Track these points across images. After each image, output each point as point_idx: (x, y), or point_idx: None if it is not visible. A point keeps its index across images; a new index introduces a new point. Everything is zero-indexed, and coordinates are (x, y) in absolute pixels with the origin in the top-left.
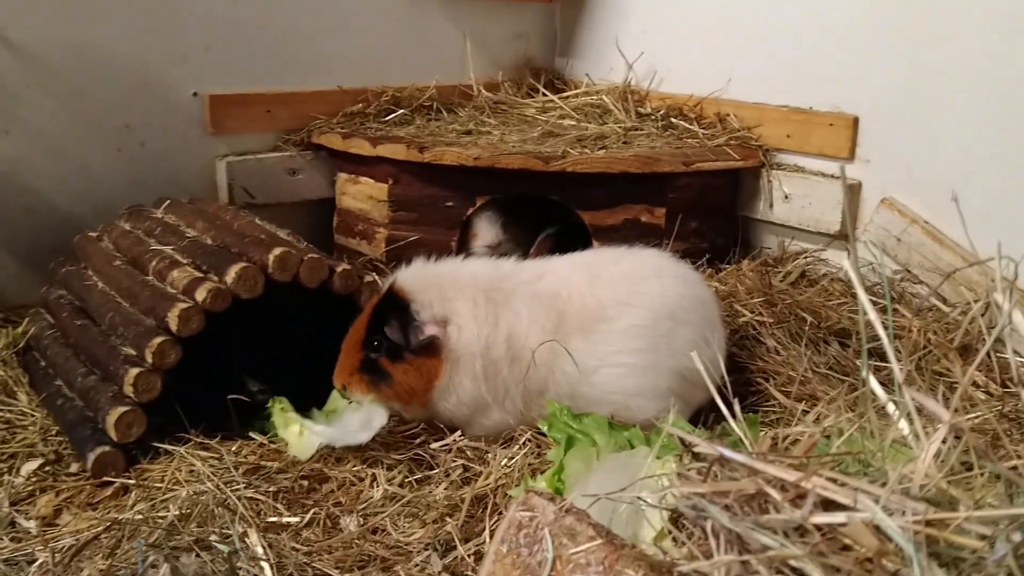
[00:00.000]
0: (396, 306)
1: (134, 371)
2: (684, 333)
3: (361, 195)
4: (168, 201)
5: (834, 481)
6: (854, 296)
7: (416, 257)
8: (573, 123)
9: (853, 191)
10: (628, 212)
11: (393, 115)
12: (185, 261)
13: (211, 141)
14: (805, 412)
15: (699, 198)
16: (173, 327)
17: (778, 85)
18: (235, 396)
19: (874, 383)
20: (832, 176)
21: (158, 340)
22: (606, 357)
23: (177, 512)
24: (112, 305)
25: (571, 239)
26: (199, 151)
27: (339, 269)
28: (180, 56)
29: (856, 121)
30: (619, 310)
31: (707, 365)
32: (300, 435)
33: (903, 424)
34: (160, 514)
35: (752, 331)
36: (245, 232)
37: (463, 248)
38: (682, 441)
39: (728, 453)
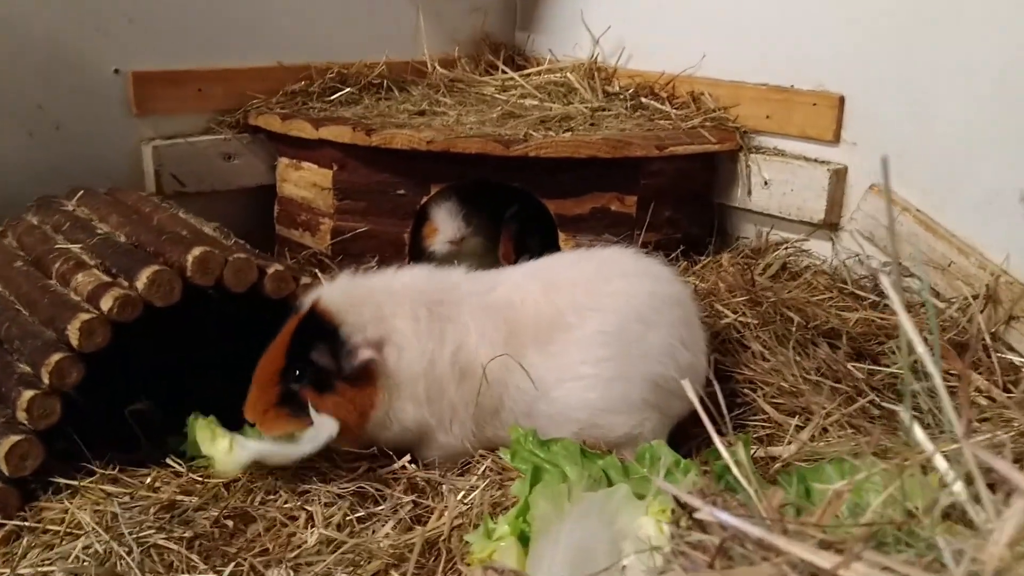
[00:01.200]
0: (322, 329)
1: (28, 393)
2: (656, 336)
3: (304, 182)
4: (82, 192)
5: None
6: (840, 291)
7: (346, 270)
8: (536, 103)
9: (838, 177)
10: (597, 200)
11: (339, 94)
12: (92, 263)
13: (135, 123)
14: (799, 428)
15: (673, 185)
16: (74, 341)
17: (756, 62)
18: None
19: (920, 434)
20: (816, 160)
21: (56, 357)
22: (566, 369)
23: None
24: (9, 314)
25: (537, 223)
26: (122, 134)
27: (270, 271)
28: (99, 28)
29: (842, 100)
30: (579, 316)
31: (686, 372)
32: (229, 450)
33: (958, 487)
34: (49, 569)
35: (735, 334)
36: (164, 227)
37: (417, 241)
38: (677, 500)
39: (739, 524)
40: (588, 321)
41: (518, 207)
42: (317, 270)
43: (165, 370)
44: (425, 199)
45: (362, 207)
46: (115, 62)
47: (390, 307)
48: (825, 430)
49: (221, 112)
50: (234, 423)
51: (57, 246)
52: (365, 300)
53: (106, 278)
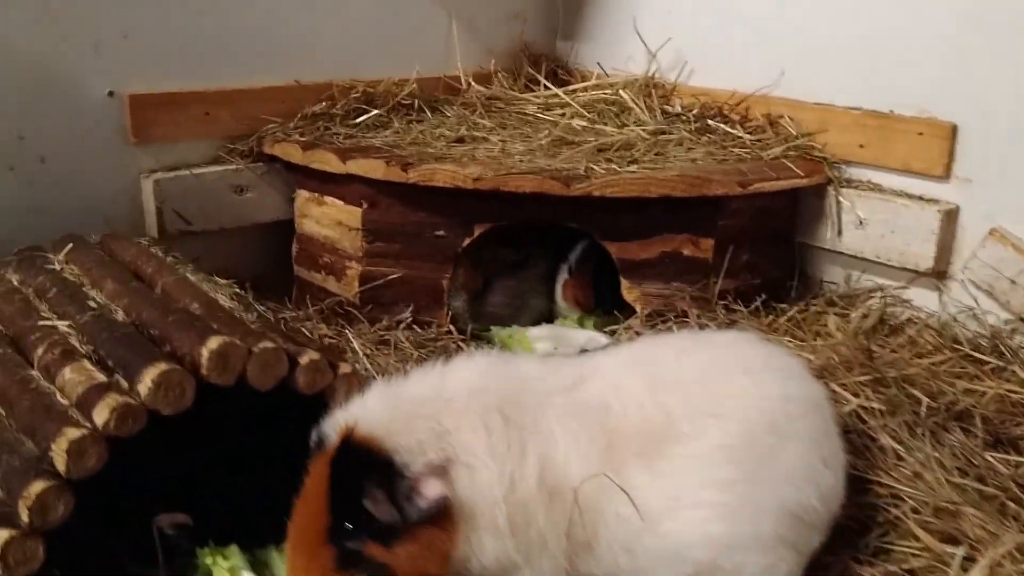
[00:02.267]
0: (370, 463)
1: (3, 535)
2: (793, 452)
3: (327, 219)
4: (71, 244)
5: None
6: (953, 351)
7: (375, 382)
8: (585, 124)
9: (950, 218)
10: (667, 243)
11: (365, 117)
12: (84, 350)
13: (133, 153)
14: (968, 562)
15: (753, 224)
16: (60, 465)
17: (847, 81)
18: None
19: None
20: (921, 198)
21: (38, 487)
22: (681, 494)
23: None
24: None
25: (592, 263)
26: (118, 167)
27: (303, 361)
28: (90, 44)
29: (954, 130)
30: (696, 424)
31: (828, 498)
32: None
33: None
34: None
35: (860, 423)
36: (171, 298)
37: (456, 287)
38: None
39: None
40: (708, 431)
41: (583, 248)
42: (345, 324)
43: (173, 466)
44: (468, 241)
45: (396, 250)
46: (108, 83)
47: (451, 417)
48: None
49: (231, 139)
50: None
51: (41, 323)
52: (416, 412)
53: (100, 376)
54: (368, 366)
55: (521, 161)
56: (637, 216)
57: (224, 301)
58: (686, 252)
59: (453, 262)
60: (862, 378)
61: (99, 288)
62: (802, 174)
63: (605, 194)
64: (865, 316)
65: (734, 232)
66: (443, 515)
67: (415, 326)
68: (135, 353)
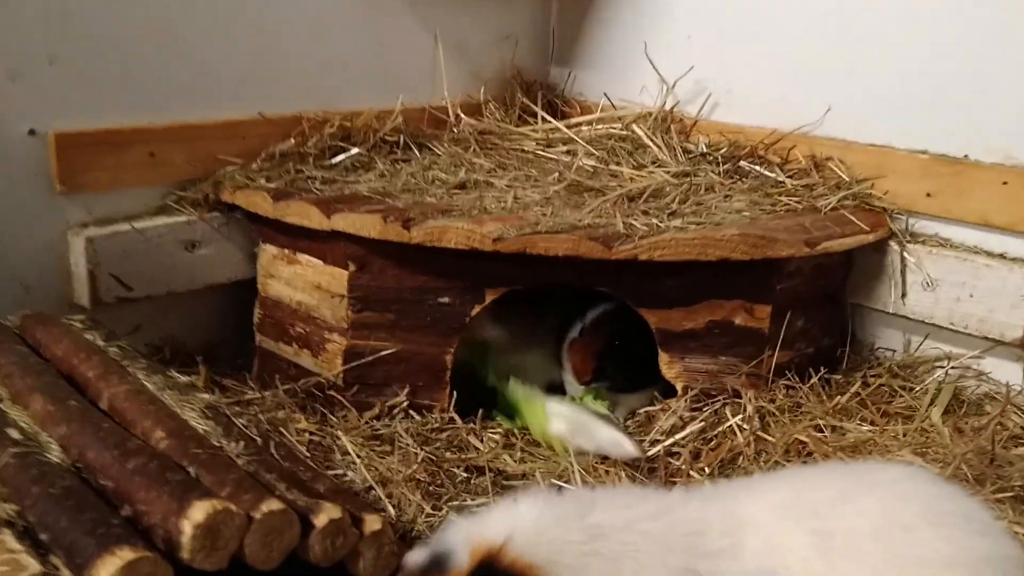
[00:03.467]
0: None
1: None
2: None
3: (301, 281)
4: None
5: None
6: None
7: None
8: (595, 164)
9: None
10: (714, 311)
11: (344, 156)
12: (10, 514)
13: (60, 204)
14: None
15: (808, 286)
16: None
17: (910, 120)
18: None
19: None
20: (1004, 257)
21: None
22: None
23: None
24: None
25: (620, 329)
26: (40, 221)
27: (319, 522)
28: (5, 72)
29: None
30: None
31: None
32: None
33: None
34: None
35: None
36: (126, 421)
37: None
38: None
39: None
40: None
41: (605, 309)
42: (325, 410)
43: None
44: (477, 309)
45: (389, 320)
46: (29, 120)
47: (630, 561)
48: None
49: (181, 184)
50: None
51: None
52: (587, 547)
53: (30, 562)
54: (368, 477)
55: (544, 215)
56: (681, 280)
57: (197, 421)
58: (738, 321)
59: (459, 333)
60: (1000, 495)
61: (23, 406)
62: (867, 228)
63: (653, 257)
64: (936, 393)
65: (791, 296)
66: None
67: (412, 411)
68: (83, 528)
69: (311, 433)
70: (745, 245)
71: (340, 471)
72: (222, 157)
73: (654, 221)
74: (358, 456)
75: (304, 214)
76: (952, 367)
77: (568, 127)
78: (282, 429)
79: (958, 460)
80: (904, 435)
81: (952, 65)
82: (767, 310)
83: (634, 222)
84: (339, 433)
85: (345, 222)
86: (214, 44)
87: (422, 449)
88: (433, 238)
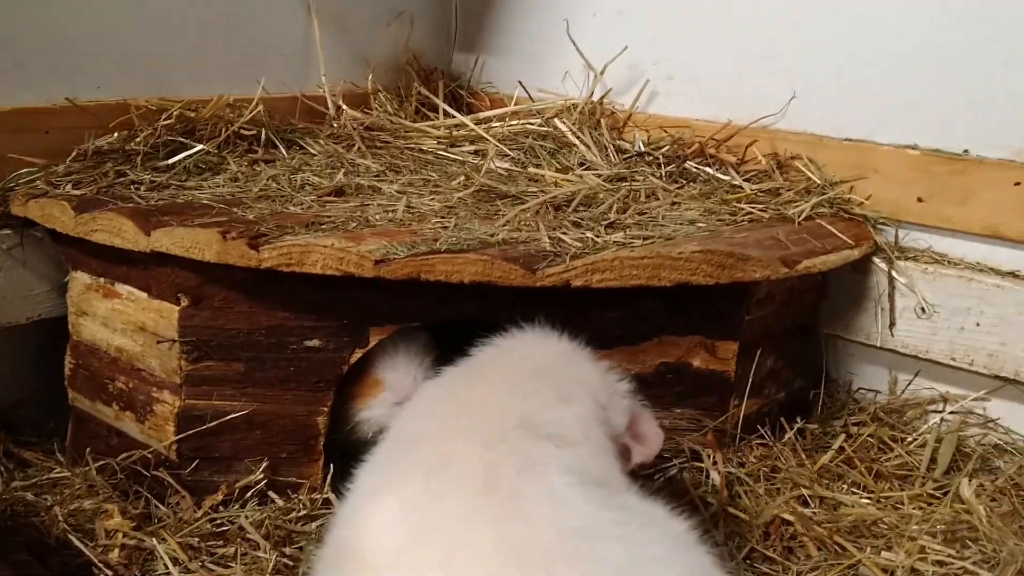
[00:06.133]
0: None
1: None
2: None
3: (122, 321)
4: None
5: None
6: None
7: None
8: (511, 166)
9: None
10: (667, 351)
11: (184, 155)
12: None
13: None
14: None
15: (778, 316)
16: None
17: (895, 109)
18: None
19: None
20: (1015, 275)
21: None
22: None
23: None
24: None
25: None
26: None
27: None
28: None
29: None
30: None
31: None
32: None
33: None
34: None
35: None
36: None
37: (339, 422)
38: None
39: None
40: None
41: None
42: (152, 496)
43: None
44: (358, 354)
45: (237, 372)
46: None
47: None
48: None
49: None
50: None
51: None
52: None
53: None
54: None
55: (444, 228)
56: (625, 312)
57: None
58: (696, 363)
59: (333, 387)
60: None
61: None
62: (851, 242)
63: (591, 283)
64: (935, 446)
65: (760, 329)
66: None
67: (272, 494)
68: None
69: (125, 535)
70: (709, 265)
71: None
72: (14, 156)
73: (589, 235)
74: (186, 571)
75: (115, 229)
76: (951, 412)
77: (476, 123)
78: (77, 536)
79: (1019, 560)
80: (912, 506)
81: (949, 38)
82: (732, 348)
83: (564, 236)
84: (164, 535)
85: (170, 239)
86: (7, 10)
87: (279, 551)
88: (292, 261)
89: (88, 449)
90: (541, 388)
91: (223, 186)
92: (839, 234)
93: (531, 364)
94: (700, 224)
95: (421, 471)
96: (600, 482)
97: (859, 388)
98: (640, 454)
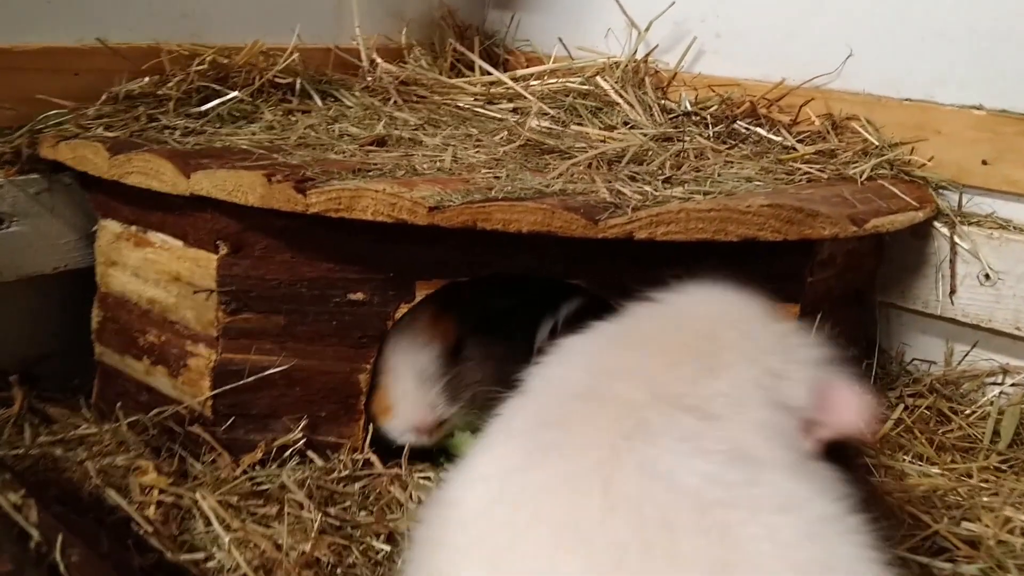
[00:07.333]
0: None
1: None
2: None
3: (155, 272)
4: None
5: None
6: None
7: None
8: (552, 124)
9: None
10: None
11: (218, 102)
12: None
13: None
14: None
15: (839, 280)
16: None
17: (958, 67)
18: None
19: None
20: None
21: None
22: None
23: None
24: None
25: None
26: None
27: None
28: None
29: None
30: None
31: None
32: None
33: None
34: None
35: None
36: None
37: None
38: None
39: None
40: None
41: (582, 303)
42: (187, 454)
43: None
44: (403, 309)
45: (278, 325)
46: None
47: None
48: None
49: None
50: None
51: None
52: None
53: None
54: (241, 561)
55: (496, 178)
56: (684, 270)
57: None
58: None
59: (378, 343)
60: None
61: None
62: (915, 204)
63: (655, 236)
64: (999, 417)
65: (822, 292)
66: None
67: (311, 453)
68: None
69: (161, 491)
70: (777, 220)
71: (200, 554)
72: (43, 97)
73: (648, 189)
74: (227, 528)
75: (152, 171)
76: (1012, 384)
77: (514, 80)
78: (113, 491)
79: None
80: (979, 479)
81: None
82: (794, 310)
83: (623, 189)
84: (201, 494)
85: (211, 182)
86: None
87: (323, 511)
88: (341, 206)
89: (119, 404)
90: (690, 356)
91: (258, 133)
92: (903, 195)
93: (686, 327)
94: (758, 182)
95: (543, 443)
96: (749, 458)
97: (912, 359)
98: (827, 427)
